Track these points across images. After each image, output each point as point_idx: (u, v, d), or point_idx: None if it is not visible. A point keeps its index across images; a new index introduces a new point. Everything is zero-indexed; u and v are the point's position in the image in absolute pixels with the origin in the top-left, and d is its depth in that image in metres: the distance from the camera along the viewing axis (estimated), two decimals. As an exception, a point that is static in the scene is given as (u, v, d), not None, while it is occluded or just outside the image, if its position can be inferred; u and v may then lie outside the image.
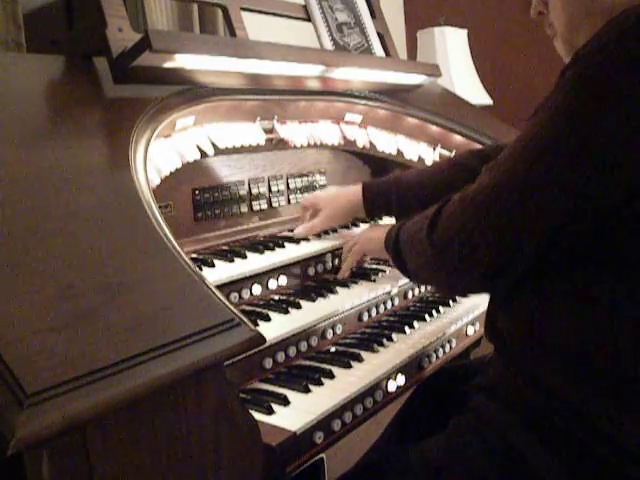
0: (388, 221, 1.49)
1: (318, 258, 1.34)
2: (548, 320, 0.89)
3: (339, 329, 1.20)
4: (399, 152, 1.79)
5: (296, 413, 0.92)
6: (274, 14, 1.56)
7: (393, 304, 1.37)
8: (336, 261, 1.38)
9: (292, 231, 1.43)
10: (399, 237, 1.08)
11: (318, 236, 1.40)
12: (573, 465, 0.86)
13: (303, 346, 1.11)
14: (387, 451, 1.11)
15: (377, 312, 1.31)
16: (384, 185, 1.38)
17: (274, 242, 1.29)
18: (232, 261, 1.17)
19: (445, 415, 1.03)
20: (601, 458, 0.84)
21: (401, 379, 1.10)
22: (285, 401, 0.94)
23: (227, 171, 1.48)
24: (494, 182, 0.86)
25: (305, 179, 1.69)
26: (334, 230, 1.46)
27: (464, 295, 1.40)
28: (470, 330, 1.37)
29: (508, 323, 0.96)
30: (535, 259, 0.87)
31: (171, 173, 1.20)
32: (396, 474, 0.99)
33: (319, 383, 1.00)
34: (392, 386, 1.07)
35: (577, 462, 0.85)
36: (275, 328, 1.06)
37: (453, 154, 1.85)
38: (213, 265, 1.13)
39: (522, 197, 0.83)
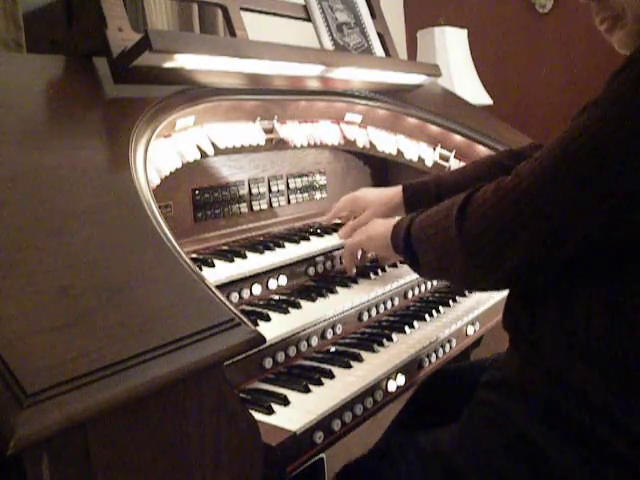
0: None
1: (318, 258, 1.34)
2: (572, 317, 0.88)
3: (339, 329, 1.20)
4: (399, 152, 1.79)
5: (296, 413, 0.92)
6: (274, 14, 1.56)
7: (393, 304, 1.37)
8: (336, 261, 1.38)
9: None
10: (411, 229, 1.07)
11: (320, 235, 1.40)
12: (591, 458, 0.86)
13: (303, 346, 1.11)
14: (397, 438, 1.11)
15: (377, 312, 1.31)
16: (424, 184, 1.37)
17: (274, 242, 1.29)
18: (232, 261, 1.17)
19: (454, 408, 1.03)
20: (619, 452, 0.84)
21: (401, 379, 1.10)
22: (285, 401, 0.94)
23: (227, 171, 1.48)
24: (539, 172, 0.84)
25: (305, 179, 1.69)
26: (335, 230, 1.46)
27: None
28: (470, 330, 1.37)
29: (529, 316, 0.95)
30: (573, 258, 0.85)
31: (171, 173, 1.20)
32: (405, 461, 0.99)
33: (319, 383, 1.00)
34: (392, 386, 1.08)
35: (595, 456, 0.86)
36: (275, 328, 1.06)
37: (453, 154, 1.85)
38: (213, 265, 1.13)
39: (571, 188, 0.81)
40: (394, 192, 1.39)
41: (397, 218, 1.19)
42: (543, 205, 0.83)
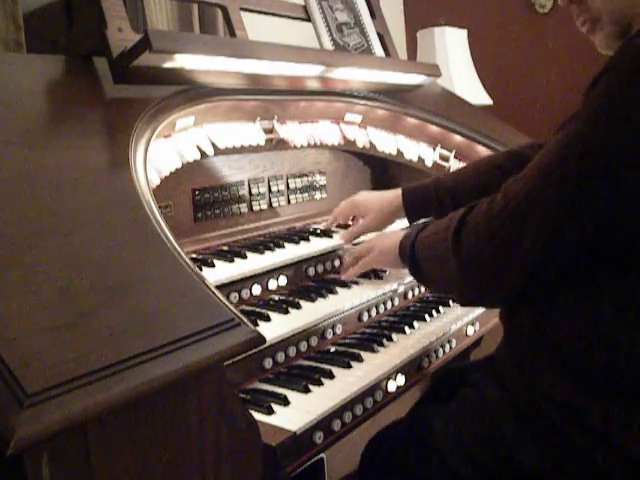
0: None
1: (318, 258, 1.34)
2: (551, 320, 0.90)
3: (339, 329, 1.20)
4: (399, 152, 1.79)
5: (296, 413, 0.92)
6: (274, 14, 1.56)
7: (393, 304, 1.37)
8: (336, 261, 1.38)
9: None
10: (415, 248, 1.08)
11: (319, 236, 1.40)
12: (554, 453, 0.88)
13: (303, 346, 1.11)
14: (406, 421, 1.13)
15: (377, 312, 1.31)
16: (424, 188, 1.36)
17: (274, 242, 1.29)
18: (232, 261, 1.17)
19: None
20: (584, 452, 0.86)
21: (401, 379, 1.10)
22: (285, 401, 0.94)
23: (227, 171, 1.48)
24: (524, 192, 0.85)
25: (305, 179, 1.69)
26: (334, 231, 1.46)
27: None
28: (470, 330, 1.37)
29: (513, 314, 0.97)
30: (565, 271, 0.86)
31: (171, 173, 1.20)
32: (411, 441, 1.04)
33: (319, 383, 1.01)
34: (392, 386, 1.08)
35: (560, 453, 0.88)
36: (275, 328, 1.06)
37: (453, 154, 1.85)
38: (213, 265, 1.13)
39: (556, 206, 0.82)
40: (393, 195, 1.39)
41: (402, 231, 1.19)
42: (532, 224, 0.84)
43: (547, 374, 0.90)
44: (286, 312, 1.12)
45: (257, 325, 1.03)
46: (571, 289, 0.88)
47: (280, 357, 1.07)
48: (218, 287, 0.91)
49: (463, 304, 1.14)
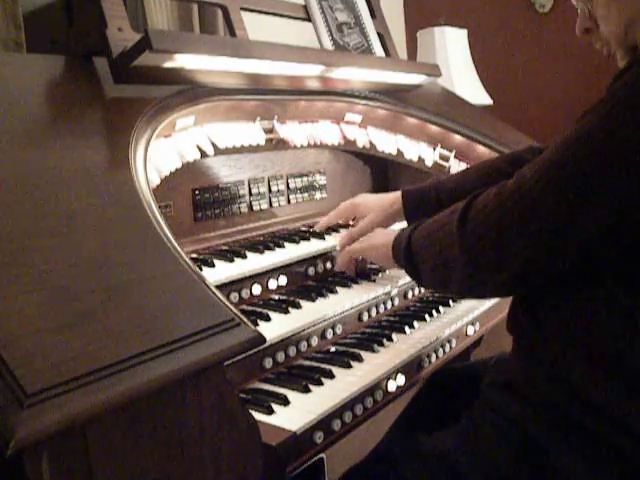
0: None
1: (318, 258, 1.34)
2: (576, 318, 0.89)
3: (339, 329, 1.20)
4: (399, 152, 1.79)
5: (296, 413, 0.92)
6: (274, 14, 1.56)
7: (393, 304, 1.37)
8: (336, 261, 1.38)
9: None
10: (412, 238, 1.07)
11: (319, 236, 1.40)
12: (592, 458, 0.86)
13: (303, 346, 1.11)
14: (399, 441, 1.11)
15: (377, 312, 1.31)
16: (423, 190, 1.36)
17: (274, 242, 1.29)
18: (232, 261, 1.17)
19: (456, 409, 1.04)
20: (623, 453, 0.85)
21: (401, 379, 1.10)
22: (285, 401, 0.94)
23: (227, 171, 1.48)
24: (540, 175, 0.85)
25: (305, 179, 1.69)
26: (335, 230, 1.46)
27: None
28: (470, 330, 1.37)
29: (532, 318, 0.95)
30: (575, 262, 0.86)
31: (171, 173, 1.20)
32: (409, 464, 0.99)
33: (319, 383, 1.00)
34: (392, 386, 1.08)
35: (597, 456, 0.86)
36: (275, 328, 1.06)
37: (453, 154, 1.85)
38: (213, 265, 1.13)
39: (571, 191, 0.82)
40: (394, 197, 1.39)
41: (399, 229, 1.19)
42: (544, 208, 0.84)
43: (586, 381, 0.88)
44: (286, 312, 1.12)
45: (257, 325, 1.03)
46: (604, 284, 0.87)
47: (280, 357, 1.07)
48: (218, 287, 0.91)
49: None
